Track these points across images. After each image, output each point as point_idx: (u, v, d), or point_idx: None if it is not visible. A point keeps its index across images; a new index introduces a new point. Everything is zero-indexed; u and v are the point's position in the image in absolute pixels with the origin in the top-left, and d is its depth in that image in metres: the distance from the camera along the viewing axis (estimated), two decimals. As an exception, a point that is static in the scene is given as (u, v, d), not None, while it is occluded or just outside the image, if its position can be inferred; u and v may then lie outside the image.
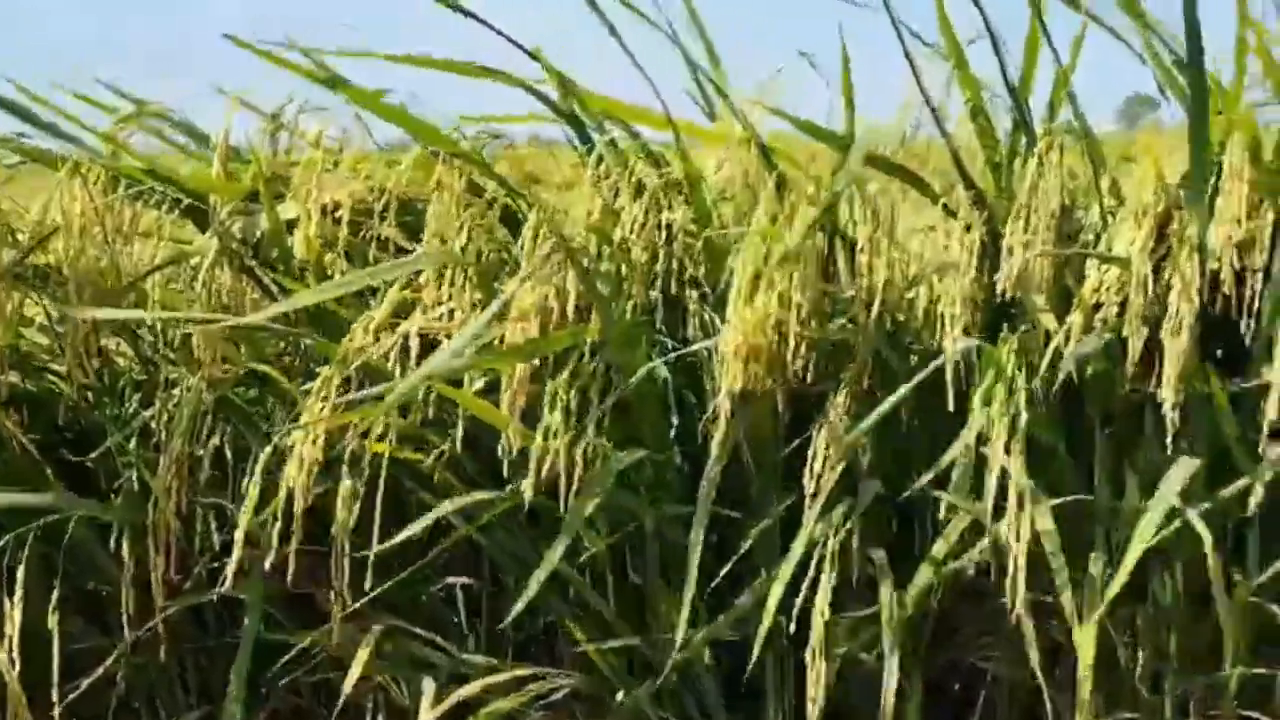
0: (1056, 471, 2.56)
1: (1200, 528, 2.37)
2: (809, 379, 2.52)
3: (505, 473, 2.58)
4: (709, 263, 2.69)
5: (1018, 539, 2.33)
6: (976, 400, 2.42)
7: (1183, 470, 2.45)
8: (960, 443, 2.44)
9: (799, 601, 2.44)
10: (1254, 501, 2.44)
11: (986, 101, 2.64)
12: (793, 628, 2.45)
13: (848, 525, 2.51)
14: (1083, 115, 2.58)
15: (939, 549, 2.51)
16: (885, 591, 2.45)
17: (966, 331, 2.52)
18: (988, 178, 2.65)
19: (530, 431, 2.54)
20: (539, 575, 2.50)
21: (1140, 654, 2.57)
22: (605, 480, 2.54)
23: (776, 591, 2.45)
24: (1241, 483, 2.47)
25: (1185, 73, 2.48)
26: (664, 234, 2.69)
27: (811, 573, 2.46)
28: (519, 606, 2.51)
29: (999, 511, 2.36)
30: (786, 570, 2.47)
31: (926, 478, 2.47)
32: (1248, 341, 2.49)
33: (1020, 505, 2.33)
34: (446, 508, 2.60)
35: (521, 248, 2.66)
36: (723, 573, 2.58)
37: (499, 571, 2.81)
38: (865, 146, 2.58)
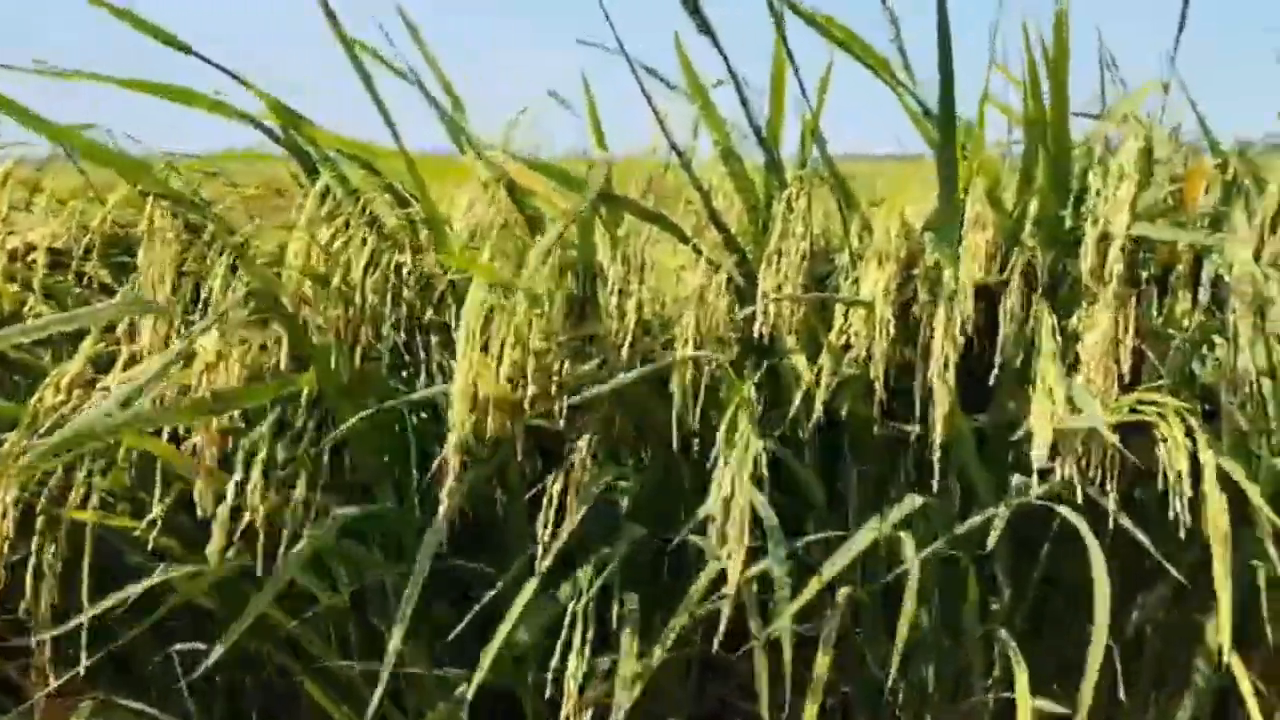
0: (812, 508, 2.59)
1: (914, 567, 2.43)
2: (561, 423, 2.45)
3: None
4: (456, 305, 2.59)
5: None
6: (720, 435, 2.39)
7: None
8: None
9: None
10: (992, 537, 2.49)
11: (737, 143, 2.64)
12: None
13: (605, 575, 2.46)
14: (830, 158, 2.60)
15: (694, 592, 2.48)
16: (628, 642, 2.42)
17: (717, 371, 2.53)
18: (743, 220, 2.64)
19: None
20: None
21: (902, 684, 2.61)
22: (324, 535, 2.43)
23: (533, 652, 2.39)
24: (980, 517, 2.52)
25: (933, 120, 2.54)
26: (399, 276, 2.57)
27: (565, 632, 2.39)
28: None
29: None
30: (539, 624, 2.42)
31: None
32: (991, 380, 2.55)
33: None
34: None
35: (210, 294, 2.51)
36: (460, 626, 2.45)
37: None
38: (598, 189, 2.51)
